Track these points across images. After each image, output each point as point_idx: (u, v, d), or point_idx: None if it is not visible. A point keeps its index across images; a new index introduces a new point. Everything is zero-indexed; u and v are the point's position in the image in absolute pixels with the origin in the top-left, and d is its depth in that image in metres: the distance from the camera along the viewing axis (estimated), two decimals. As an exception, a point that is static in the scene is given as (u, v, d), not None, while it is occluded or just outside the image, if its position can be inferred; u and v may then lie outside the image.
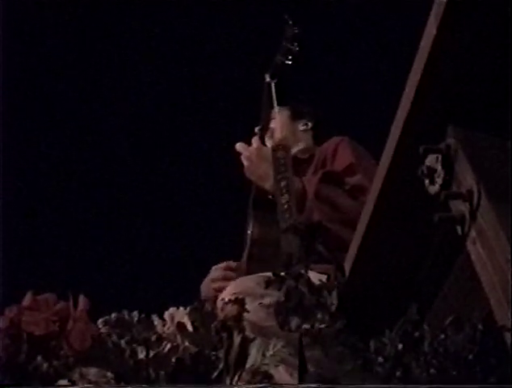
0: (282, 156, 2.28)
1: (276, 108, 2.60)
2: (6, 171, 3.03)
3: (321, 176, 2.39)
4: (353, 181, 2.36)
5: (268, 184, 2.42)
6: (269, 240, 2.44)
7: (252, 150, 2.50)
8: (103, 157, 4.26)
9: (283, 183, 2.22)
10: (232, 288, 2.14)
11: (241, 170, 2.55)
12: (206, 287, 2.52)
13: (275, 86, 2.61)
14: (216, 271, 2.54)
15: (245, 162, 2.51)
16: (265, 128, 2.62)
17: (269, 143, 2.57)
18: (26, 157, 4.10)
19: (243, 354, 1.46)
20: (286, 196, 2.19)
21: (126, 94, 4.22)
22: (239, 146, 2.54)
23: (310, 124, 2.76)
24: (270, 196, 2.43)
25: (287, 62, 2.56)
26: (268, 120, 2.65)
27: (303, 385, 1.45)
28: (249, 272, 2.36)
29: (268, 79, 2.59)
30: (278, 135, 2.53)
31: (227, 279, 2.36)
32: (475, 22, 1.25)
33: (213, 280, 2.51)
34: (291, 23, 2.55)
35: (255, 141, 2.53)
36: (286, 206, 2.16)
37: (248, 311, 1.55)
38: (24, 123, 4.09)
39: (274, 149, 2.32)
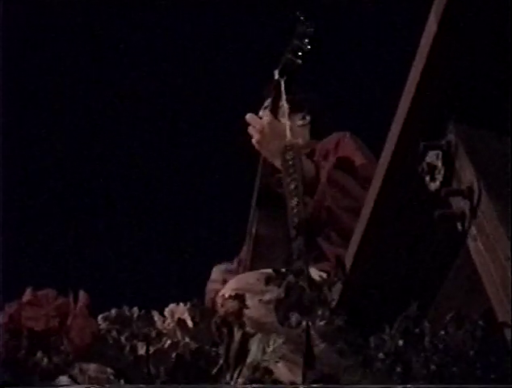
0: (291, 157, 2.25)
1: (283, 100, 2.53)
2: (6, 170, 3.03)
3: (335, 161, 2.37)
4: (363, 172, 2.35)
5: (278, 161, 2.37)
6: (273, 238, 2.43)
7: (264, 124, 2.44)
8: (102, 153, 4.26)
9: (292, 186, 2.20)
10: (233, 284, 2.14)
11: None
12: (209, 289, 2.51)
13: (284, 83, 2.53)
14: (216, 273, 2.52)
15: (256, 135, 2.45)
16: (275, 105, 2.54)
17: (283, 120, 2.51)
18: (25, 156, 4.10)
19: (243, 350, 1.47)
20: (295, 199, 2.17)
21: (125, 93, 4.21)
22: (250, 117, 2.48)
23: (308, 119, 2.72)
24: (279, 185, 2.37)
25: (298, 61, 2.48)
26: (277, 99, 2.56)
27: (303, 386, 1.45)
28: (252, 270, 2.35)
29: (277, 76, 2.52)
30: (288, 134, 2.46)
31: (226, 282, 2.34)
32: (475, 19, 1.25)
33: (213, 282, 2.49)
34: (302, 19, 2.47)
35: (267, 114, 2.47)
36: (296, 210, 2.14)
37: (248, 307, 1.55)
38: (24, 122, 4.08)
39: (284, 150, 2.29)
